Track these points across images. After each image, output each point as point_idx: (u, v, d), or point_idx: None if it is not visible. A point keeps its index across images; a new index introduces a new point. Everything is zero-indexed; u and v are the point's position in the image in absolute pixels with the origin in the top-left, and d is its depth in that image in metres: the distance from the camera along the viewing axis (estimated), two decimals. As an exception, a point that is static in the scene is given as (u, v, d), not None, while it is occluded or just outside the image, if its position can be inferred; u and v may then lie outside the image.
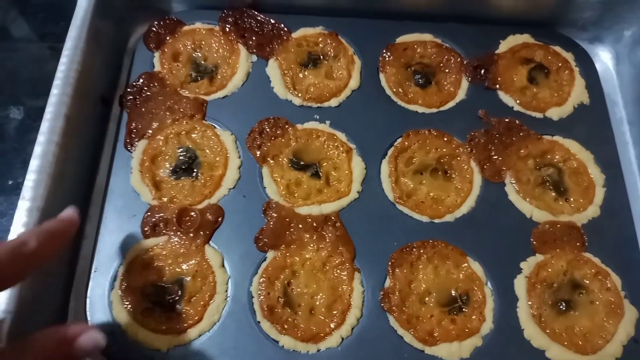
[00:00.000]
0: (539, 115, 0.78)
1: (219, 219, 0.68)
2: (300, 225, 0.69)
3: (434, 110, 0.78)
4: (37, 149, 0.62)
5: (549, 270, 0.68)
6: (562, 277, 0.68)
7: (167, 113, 0.74)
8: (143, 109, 0.74)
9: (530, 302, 0.66)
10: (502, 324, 0.65)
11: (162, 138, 0.72)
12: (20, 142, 0.77)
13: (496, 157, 0.74)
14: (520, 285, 0.67)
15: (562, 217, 0.71)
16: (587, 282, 0.68)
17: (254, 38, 0.80)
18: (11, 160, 0.75)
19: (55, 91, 0.66)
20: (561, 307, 0.66)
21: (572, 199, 0.73)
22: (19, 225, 0.59)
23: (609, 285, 0.67)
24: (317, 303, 0.65)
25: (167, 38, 0.79)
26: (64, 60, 0.68)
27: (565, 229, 0.70)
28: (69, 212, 0.54)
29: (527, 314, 0.65)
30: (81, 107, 0.69)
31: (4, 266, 0.44)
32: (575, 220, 0.71)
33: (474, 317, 0.65)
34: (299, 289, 0.66)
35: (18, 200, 0.69)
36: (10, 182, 0.74)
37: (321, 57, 0.80)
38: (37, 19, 0.86)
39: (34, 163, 0.62)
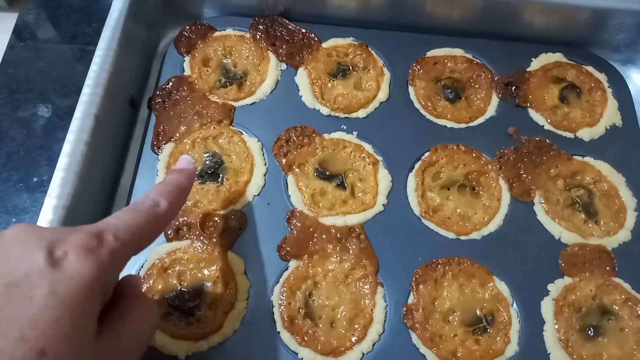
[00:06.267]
0: (569, 135, 0.77)
1: (243, 226, 0.68)
2: (324, 236, 0.68)
3: (463, 125, 0.77)
4: (66, 147, 0.62)
5: (577, 294, 0.66)
6: (591, 301, 0.66)
7: (195, 117, 0.74)
8: (171, 113, 0.74)
9: (557, 326, 0.64)
10: (527, 346, 0.63)
11: (189, 142, 0.72)
12: (46, 140, 0.77)
13: (525, 175, 0.73)
14: (547, 307, 0.65)
15: (592, 239, 0.70)
16: (617, 308, 0.66)
17: (284, 46, 0.80)
18: (36, 158, 0.75)
19: (86, 90, 0.66)
20: (589, 332, 0.64)
21: (602, 222, 0.71)
22: (45, 222, 0.58)
23: (639, 313, 0.65)
24: (339, 316, 0.64)
25: (198, 43, 0.79)
26: (96, 60, 0.68)
27: (594, 252, 0.69)
28: (187, 162, 0.52)
29: (554, 338, 0.63)
30: (110, 108, 0.69)
31: (143, 229, 0.44)
32: (606, 243, 0.69)
33: (498, 338, 0.63)
34: (320, 301, 0.64)
35: (41, 197, 0.70)
36: (35, 180, 0.74)
37: (350, 68, 0.79)
38: (71, 20, 0.87)
39: (62, 161, 0.61)
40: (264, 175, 0.71)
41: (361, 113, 0.76)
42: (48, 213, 0.59)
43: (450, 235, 0.69)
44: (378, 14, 0.82)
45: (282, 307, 0.63)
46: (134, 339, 0.44)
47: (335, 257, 0.67)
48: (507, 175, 0.73)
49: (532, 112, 0.78)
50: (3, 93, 0.79)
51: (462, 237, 0.69)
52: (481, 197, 0.72)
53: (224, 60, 0.79)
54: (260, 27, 0.81)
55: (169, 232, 0.67)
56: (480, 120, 0.77)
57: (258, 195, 0.70)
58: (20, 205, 0.72)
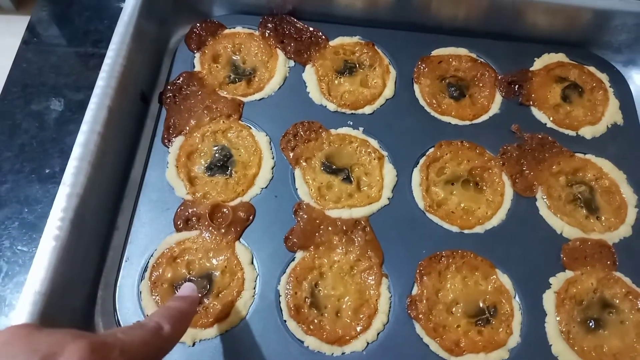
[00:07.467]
0: (571, 133, 0.78)
1: (250, 217, 0.69)
2: (330, 228, 0.69)
3: (467, 122, 0.78)
4: (80, 137, 0.64)
5: (579, 287, 0.67)
6: (592, 294, 0.67)
7: (205, 112, 0.75)
8: (182, 107, 0.76)
9: (559, 318, 0.65)
10: (529, 338, 0.64)
11: (198, 135, 0.73)
12: (58, 133, 0.78)
13: (528, 171, 0.74)
14: (549, 300, 0.66)
15: (593, 234, 0.71)
16: (618, 301, 0.67)
17: (292, 44, 0.81)
18: (49, 150, 0.77)
19: (100, 83, 0.68)
20: (590, 325, 0.65)
21: (603, 218, 0.72)
22: (58, 210, 0.60)
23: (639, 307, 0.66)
24: (344, 306, 0.65)
25: (208, 40, 0.81)
26: (110, 54, 0.70)
27: (596, 246, 0.70)
28: (191, 290, 0.52)
29: (556, 330, 0.64)
30: (123, 100, 0.70)
31: (150, 348, 0.42)
32: (607, 238, 0.71)
33: (501, 329, 0.64)
34: (326, 291, 0.66)
35: (53, 188, 0.72)
36: (47, 171, 0.75)
37: (357, 65, 0.81)
38: (82, 17, 0.89)
39: (77, 150, 0.63)
40: (272, 168, 0.73)
41: (367, 109, 0.78)
42: (62, 201, 0.60)
43: (454, 228, 0.70)
44: (384, 14, 0.84)
45: (289, 296, 0.65)
46: None
47: (340, 248, 0.68)
48: (510, 171, 0.74)
49: (535, 110, 0.80)
50: (17, 87, 0.81)
51: (466, 231, 0.70)
52: (484, 192, 0.73)
53: (234, 57, 0.81)
54: (269, 25, 0.83)
55: (179, 223, 0.68)
56: (484, 117, 0.79)
57: (266, 187, 0.71)
58: (33, 195, 0.73)
